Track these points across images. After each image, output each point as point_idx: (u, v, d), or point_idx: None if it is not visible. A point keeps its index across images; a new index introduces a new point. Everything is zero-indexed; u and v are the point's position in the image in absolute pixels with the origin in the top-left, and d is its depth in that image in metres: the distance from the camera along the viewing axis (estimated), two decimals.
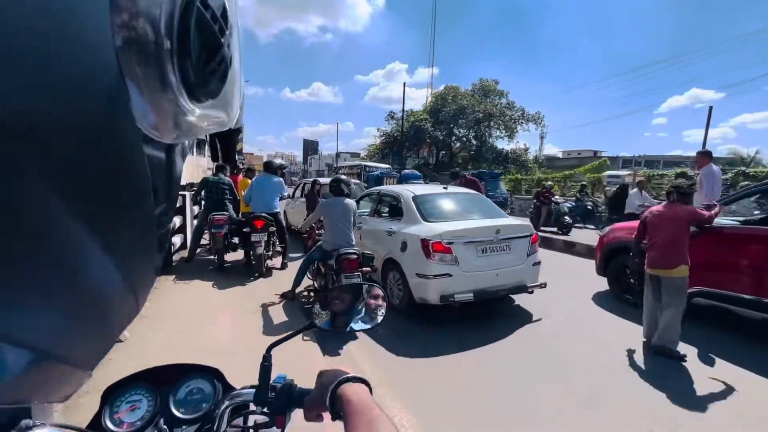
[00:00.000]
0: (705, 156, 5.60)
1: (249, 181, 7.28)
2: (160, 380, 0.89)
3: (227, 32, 0.32)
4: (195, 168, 21.04)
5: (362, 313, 0.95)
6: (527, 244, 4.30)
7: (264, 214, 5.40)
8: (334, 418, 0.63)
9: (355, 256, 3.88)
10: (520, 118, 34.79)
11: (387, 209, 5.14)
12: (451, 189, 4.93)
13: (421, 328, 3.97)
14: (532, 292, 4.24)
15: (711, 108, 21.71)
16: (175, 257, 6.26)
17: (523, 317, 4.26)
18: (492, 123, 34.70)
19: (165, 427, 0.83)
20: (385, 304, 0.95)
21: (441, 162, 37.59)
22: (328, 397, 0.63)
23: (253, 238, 5.22)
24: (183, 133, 0.37)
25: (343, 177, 4.46)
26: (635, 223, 4.38)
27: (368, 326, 0.94)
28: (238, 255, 6.13)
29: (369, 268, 4.09)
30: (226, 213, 5.68)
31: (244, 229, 5.40)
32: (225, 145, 0.81)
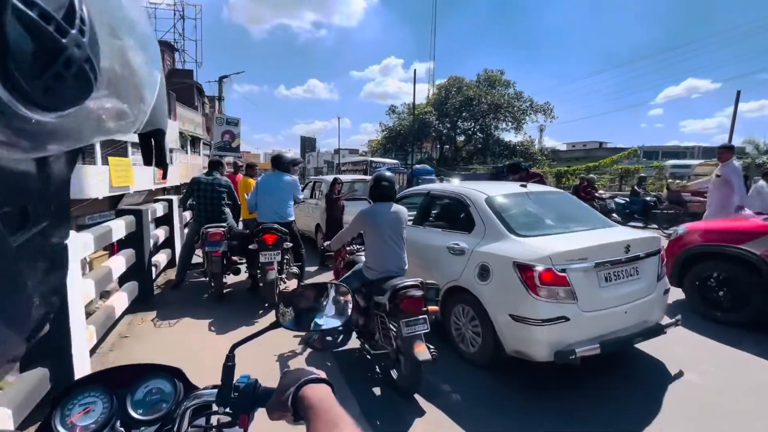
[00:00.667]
0: (728, 150, 5.20)
1: (252, 181, 5.94)
2: (117, 381, 0.86)
3: (74, 31, 0.27)
4: (188, 169, 19.64)
5: (328, 311, 0.92)
6: (657, 264, 3.00)
7: (276, 225, 4.10)
8: (296, 420, 0.63)
9: (419, 293, 2.57)
10: (528, 109, 33.45)
11: (444, 216, 3.80)
12: (532, 187, 3.60)
13: (513, 393, 2.68)
14: (666, 333, 2.92)
15: (739, 93, 20.41)
16: (160, 279, 4.93)
17: (652, 369, 2.97)
18: (499, 115, 33.34)
19: (121, 429, 0.81)
20: (351, 301, 0.94)
21: (445, 156, 36.27)
22: (290, 398, 0.63)
23: (262, 258, 3.91)
24: (40, 144, 0.32)
25: (388, 174, 3.13)
26: (717, 224, 4.22)
27: (334, 325, 0.92)
28: (241, 275, 4.81)
29: (436, 307, 2.79)
30: (224, 225, 4.36)
31: (250, 246, 4.08)
32: (157, 146, 0.56)
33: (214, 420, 0.80)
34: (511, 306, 2.63)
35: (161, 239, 4.85)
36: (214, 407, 0.77)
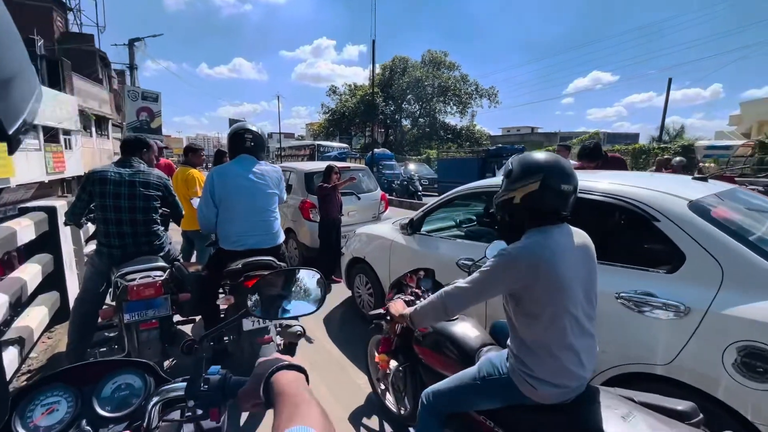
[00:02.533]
0: None
1: (196, 173, 3.88)
2: (83, 379, 0.82)
3: None
4: (95, 155, 15.81)
5: (299, 298, 0.93)
6: None
7: (266, 259, 2.28)
8: (267, 407, 0.62)
9: None
10: (474, 92, 33.23)
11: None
12: (714, 182, 2.21)
13: None
14: None
15: (670, 80, 21.68)
16: (38, 351, 2.78)
17: None
18: (445, 98, 32.70)
19: (88, 428, 0.77)
20: (323, 287, 0.96)
21: (390, 141, 34.96)
22: (262, 386, 0.62)
23: (247, 325, 2.07)
24: None
25: (566, 165, 1.45)
26: None
27: (306, 312, 0.92)
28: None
29: None
30: (162, 263, 2.36)
31: (221, 299, 2.25)
32: None
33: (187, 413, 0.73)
34: None
35: (31, 284, 2.69)
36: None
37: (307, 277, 0.99)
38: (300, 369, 0.67)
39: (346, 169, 5.53)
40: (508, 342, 1.36)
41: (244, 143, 2.48)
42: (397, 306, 1.64)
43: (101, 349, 2.38)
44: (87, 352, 2.35)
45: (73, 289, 3.39)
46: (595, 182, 2.08)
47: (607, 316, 1.79)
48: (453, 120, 34.89)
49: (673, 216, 1.74)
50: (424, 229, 3.13)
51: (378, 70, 33.57)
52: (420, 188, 13.51)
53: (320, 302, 0.98)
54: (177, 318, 2.54)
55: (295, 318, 1.02)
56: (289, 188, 5.62)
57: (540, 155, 1.29)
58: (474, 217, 3.75)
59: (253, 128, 2.52)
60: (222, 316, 2.48)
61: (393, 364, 2.05)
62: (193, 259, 4.11)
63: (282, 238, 2.63)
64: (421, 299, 1.73)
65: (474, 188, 2.82)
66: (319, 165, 5.57)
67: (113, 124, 19.45)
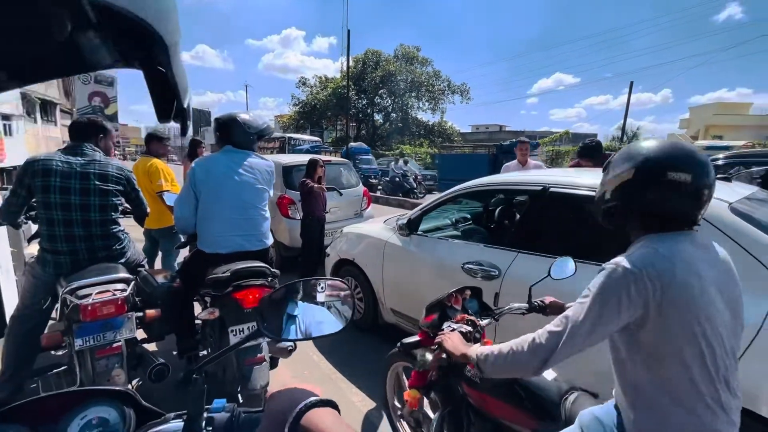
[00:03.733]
0: None
1: (159, 164, 3.43)
2: (39, 416, 0.65)
3: None
4: (41, 143, 14.37)
5: (323, 314, 0.79)
6: None
7: (256, 265, 1.98)
8: None
9: None
10: (446, 89, 33.35)
11: (604, 240, 2.05)
12: (737, 184, 2.10)
13: None
14: None
15: (632, 83, 22.67)
16: None
17: None
18: (418, 94, 32.63)
19: None
20: (351, 301, 0.82)
21: (362, 135, 34.55)
22: (288, 429, 0.49)
23: (235, 340, 1.64)
24: None
25: (696, 154, 1.07)
26: None
27: (332, 330, 0.77)
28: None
29: None
30: (120, 277, 1.90)
31: (201, 315, 1.90)
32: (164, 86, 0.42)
33: None
34: None
35: None
36: None
37: (331, 289, 0.85)
38: (332, 404, 0.54)
39: (328, 163, 5.19)
40: (616, 392, 1.02)
41: (239, 135, 2.17)
42: (455, 341, 1.23)
43: (46, 378, 1.95)
44: (26, 383, 1.92)
45: (10, 300, 2.88)
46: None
47: None
48: (425, 116, 34.94)
49: (715, 220, 1.59)
50: (420, 229, 2.89)
51: (350, 63, 32.96)
52: (415, 185, 12.65)
53: (349, 318, 0.82)
54: (141, 334, 2.16)
55: (319, 337, 0.76)
56: None
57: (644, 142, 0.97)
58: (469, 216, 3.57)
59: (248, 117, 2.20)
60: (199, 331, 2.13)
61: (425, 402, 1.71)
62: (158, 263, 3.65)
63: (271, 240, 2.34)
64: (479, 327, 1.38)
65: (478, 186, 2.61)
66: (299, 158, 5.21)
67: (62, 110, 17.83)
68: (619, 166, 0.97)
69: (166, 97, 0.45)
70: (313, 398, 0.53)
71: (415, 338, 1.51)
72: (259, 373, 1.79)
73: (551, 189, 2.15)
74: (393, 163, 15.53)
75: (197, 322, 2.14)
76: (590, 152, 3.42)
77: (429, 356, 1.51)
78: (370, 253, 3.10)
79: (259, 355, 1.82)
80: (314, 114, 33.11)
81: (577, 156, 3.59)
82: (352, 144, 18.26)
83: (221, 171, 2.09)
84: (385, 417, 2.27)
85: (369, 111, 34.58)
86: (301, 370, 2.74)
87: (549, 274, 1.49)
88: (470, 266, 2.31)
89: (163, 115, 0.47)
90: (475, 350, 1.11)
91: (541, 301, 1.48)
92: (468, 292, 1.57)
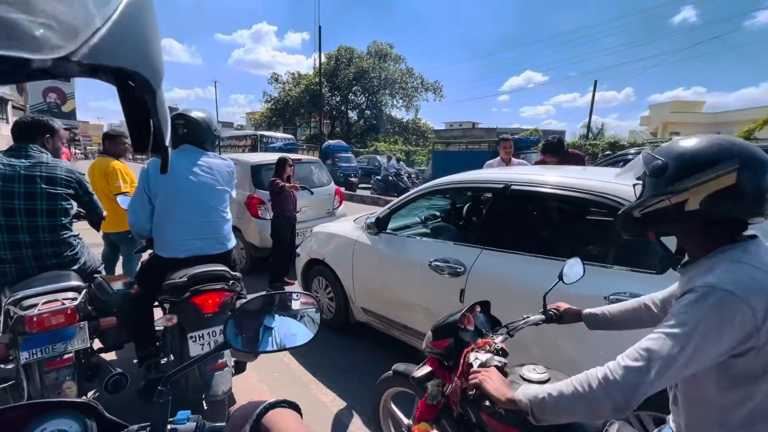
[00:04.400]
0: None
1: (117, 165, 3.28)
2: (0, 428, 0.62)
3: None
4: None
5: (288, 328, 0.78)
6: None
7: (218, 269, 1.93)
8: None
9: None
10: (419, 86, 33.58)
11: (564, 236, 2.13)
12: None
13: None
14: None
15: (596, 82, 23.59)
16: None
17: None
18: (392, 91, 32.70)
19: None
20: (318, 314, 0.82)
21: (336, 133, 34.31)
22: (248, 429, 0.51)
23: (195, 349, 1.73)
24: None
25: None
26: None
27: (301, 342, 0.77)
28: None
29: None
30: (71, 285, 1.79)
31: (160, 321, 1.84)
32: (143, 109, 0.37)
33: None
34: None
35: None
36: None
37: (298, 300, 0.85)
38: (293, 405, 0.56)
39: (297, 162, 5.12)
40: (683, 424, 0.91)
41: (175, 131, 2.06)
42: (496, 382, 1.02)
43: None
44: None
45: None
46: (580, 179, 1.99)
47: None
48: (399, 113, 35.06)
49: None
50: (389, 227, 2.90)
51: (323, 59, 32.55)
52: (410, 184, 12.20)
53: (317, 328, 0.82)
54: (99, 344, 2.07)
55: (287, 348, 0.77)
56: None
57: (713, 136, 0.86)
58: (438, 214, 3.62)
59: (190, 114, 2.10)
60: (159, 338, 2.06)
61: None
62: (119, 268, 3.50)
63: (233, 242, 2.28)
64: (502, 347, 1.24)
65: (445, 184, 2.65)
66: (267, 156, 5.11)
67: (14, 107, 16.73)
68: (708, 170, 0.80)
69: (144, 129, 0.42)
70: (272, 400, 0.53)
71: (426, 368, 1.33)
72: (221, 378, 1.74)
73: (513, 186, 2.21)
74: (386, 161, 15.17)
75: (157, 329, 2.06)
76: (553, 149, 3.54)
77: (437, 386, 1.33)
78: (340, 253, 3.09)
79: (220, 360, 1.77)
80: (287, 111, 32.59)
81: (541, 153, 3.71)
82: (330, 141, 17.85)
83: (178, 172, 2.01)
84: (356, 416, 2.28)
85: (343, 108, 34.36)
86: (270, 373, 2.70)
87: (561, 280, 1.38)
88: (437, 263, 2.34)
89: (139, 147, 0.44)
90: (525, 394, 0.91)
91: (555, 309, 1.37)
92: (478, 309, 1.42)
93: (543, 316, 1.37)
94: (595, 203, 1.91)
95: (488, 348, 1.23)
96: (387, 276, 2.73)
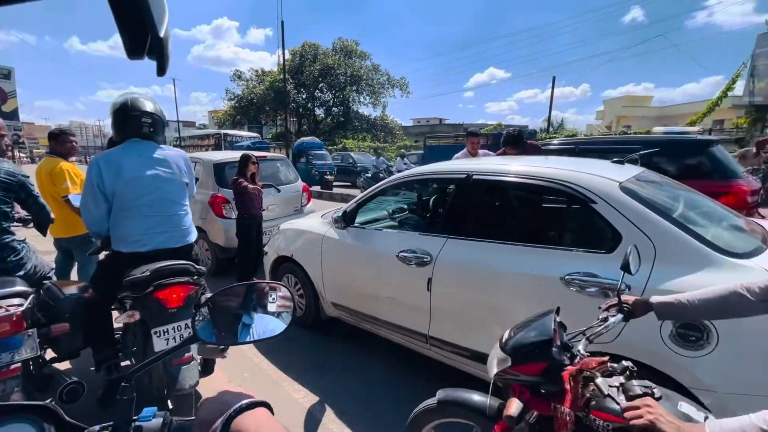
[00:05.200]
0: None
1: (65, 165, 3.09)
2: None
3: None
4: None
5: (260, 319, 0.77)
6: None
7: (180, 263, 1.88)
8: None
9: None
10: (386, 83, 33.60)
11: (523, 221, 2.24)
12: (628, 166, 2.37)
13: None
14: None
15: (554, 78, 24.51)
16: None
17: None
18: (358, 87, 32.54)
19: None
20: (291, 305, 0.80)
21: (303, 130, 33.81)
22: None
23: (160, 344, 1.70)
24: None
25: None
26: None
27: (269, 335, 0.75)
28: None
29: None
30: (15, 291, 1.66)
31: (120, 317, 1.77)
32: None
33: None
34: None
35: None
36: None
37: (270, 290, 0.84)
38: (264, 404, 0.52)
39: (262, 159, 5.02)
40: None
41: (140, 129, 1.98)
42: (671, 418, 0.85)
43: None
44: None
45: None
46: (535, 167, 2.09)
47: (558, 300, 1.80)
48: (366, 110, 34.97)
49: (608, 197, 1.80)
50: (357, 221, 2.92)
51: (287, 56, 31.84)
52: None
53: (290, 318, 0.81)
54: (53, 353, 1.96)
55: (258, 340, 0.74)
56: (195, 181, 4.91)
57: None
58: (406, 206, 3.66)
59: (149, 106, 2.01)
60: (118, 339, 1.97)
61: None
62: (74, 275, 3.31)
63: (194, 235, 2.23)
64: (628, 366, 1.07)
65: (410, 176, 2.69)
66: (231, 155, 4.97)
67: None
68: None
69: (136, 23, 0.36)
70: (243, 401, 0.51)
71: (518, 404, 1.09)
72: (188, 372, 1.71)
73: (474, 176, 2.28)
74: (375, 158, 14.88)
75: (117, 325, 1.98)
76: (514, 141, 3.68)
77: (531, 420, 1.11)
78: (308, 249, 3.07)
79: (186, 354, 1.75)
80: (251, 109, 31.71)
81: (502, 145, 3.84)
82: (304, 138, 17.06)
83: (133, 166, 1.92)
84: (328, 409, 2.29)
85: (309, 105, 33.85)
86: (240, 373, 2.66)
87: (628, 271, 1.26)
88: (404, 254, 2.38)
89: (134, 50, 0.38)
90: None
91: (626, 304, 1.22)
92: (557, 318, 1.18)
93: (621, 315, 1.20)
94: (551, 190, 2.01)
95: (607, 370, 1.05)
96: (356, 269, 2.75)
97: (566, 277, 1.78)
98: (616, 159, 2.33)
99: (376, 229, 2.86)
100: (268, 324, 0.79)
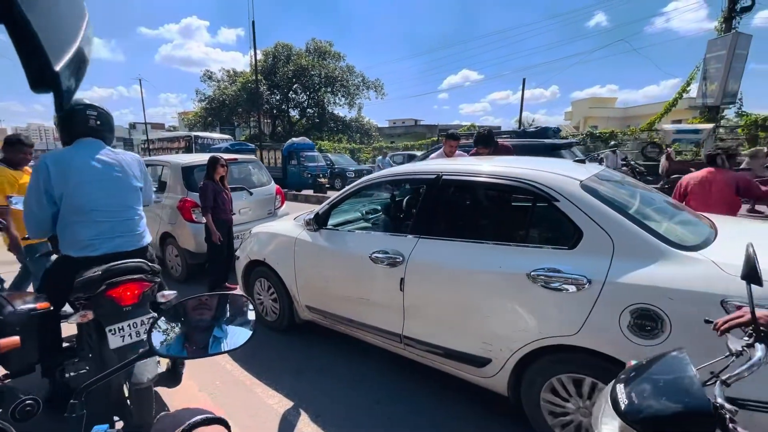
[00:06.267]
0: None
1: (9, 176, 2.93)
2: None
3: None
4: None
5: (223, 330, 0.76)
6: None
7: (136, 262, 1.86)
8: None
9: None
10: (361, 84, 33.56)
11: (492, 220, 2.31)
12: (589, 164, 2.46)
13: None
14: None
15: (524, 80, 25.19)
16: None
17: None
18: (333, 89, 32.36)
19: None
20: (253, 314, 0.80)
21: (278, 132, 33.31)
22: None
23: (115, 341, 1.70)
24: None
25: None
26: None
27: (236, 345, 0.77)
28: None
29: None
30: None
31: (70, 317, 1.73)
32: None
33: None
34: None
35: None
36: None
37: (230, 301, 0.82)
38: (222, 422, 0.53)
39: (233, 161, 4.92)
40: None
41: (87, 123, 1.94)
42: None
43: None
44: None
45: None
46: (502, 167, 2.14)
47: (523, 295, 1.86)
48: (342, 111, 34.86)
49: (569, 196, 1.87)
50: (330, 223, 2.90)
51: (260, 57, 31.25)
52: None
53: (252, 328, 0.80)
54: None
55: (224, 352, 0.73)
56: (162, 186, 4.76)
57: None
58: (379, 207, 3.67)
59: (97, 104, 2.00)
60: (71, 344, 1.90)
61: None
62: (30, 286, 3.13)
63: (149, 239, 2.18)
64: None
65: (382, 177, 2.70)
66: (200, 157, 4.84)
67: None
68: None
69: (33, 56, 0.36)
70: (198, 417, 0.50)
71: None
72: (146, 367, 1.68)
73: (444, 177, 2.31)
74: (381, 158, 14.28)
75: (70, 322, 1.92)
76: (484, 140, 3.76)
77: None
78: (280, 252, 3.02)
79: (142, 350, 1.69)
80: (223, 110, 30.93)
81: (474, 145, 3.92)
82: (295, 139, 16.02)
83: (84, 169, 1.87)
84: (303, 413, 2.26)
85: (284, 107, 33.38)
86: (212, 381, 2.59)
87: (758, 283, 1.02)
88: (377, 255, 2.39)
89: (35, 83, 0.38)
90: None
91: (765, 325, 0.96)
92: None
93: (764, 346, 0.90)
94: (517, 189, 2.07)
95: None
96: (329, 272, 2.73)
97: (532, 273, 1.84)
98: (578, 158, 2.43)
99: (348, 231, 2.86)
100: (230, 335, 0.77)
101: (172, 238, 4.54)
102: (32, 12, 0.35)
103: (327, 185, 13.07)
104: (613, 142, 11.58)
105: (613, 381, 0.93)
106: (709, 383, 0.88)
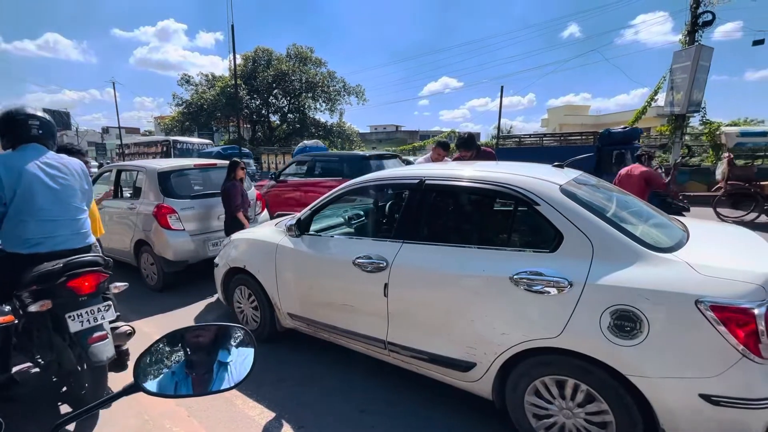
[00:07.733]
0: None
1: None
2: None
3: None
4: None
5: (218, 367, 0.72)
6: None
7: (90, 257, 2.10)
8: None
9: None
10: (342, 90, 33.56)
11: (475, 225, 2.37)
12: (568, 170, 2.52)
13: None
14: None
15: (502, 88, 25.74)
16: None
17: None
18: (314, 94, 32.26)
19: None
20: (253, 349, 0.78)
21: (258, 137, 32.91)
22: None
23: (75, 326, 1.95)
24: None
25: None
26: None
27: (233, 383, 0.71)
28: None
29: None
30: None
31: (32, 307, 1.87)
32: None
33: None
34: (700, 379, 1.51)
35: None
36: None
37: (227, 334, 0.80)
38: None
39: (212, 166, 4.83)
40: None
41: (29, 132, 2.06)
42: None
43: None
44: None
45: None
46: (484, 172, 2.17)
47: (507, 298, 1.88)
48: (323, 117, 34.75)
49: (550, 200, 1.90)
50: (312, 228, 2.86)
51: (240, 61, 30.85)
52: None
53: (253, 362, 0.77)
54: None
55: (220, 391, 0.68)
56: (137, 191, 4.60)
57: None
58: (362, 212, 3.65)
59: (38, 112, 2.14)
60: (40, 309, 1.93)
61: None
62: None
63: (93, 238, 2.33)
64: None
65: (365, 182, 2.69)
66: (175, 163, 4.71)
67: None
68: None
69: None
70: None
71: None
72: (103, 347, 1.94)
73: (427, 182, 2.32)
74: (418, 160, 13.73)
75: (32, 310, 1.98)
76: (466, 144, 3.81)
77: None
78: (261, 258, 2.96)
79: (99, 333, 1.97)
80: (201, 115, 30.31)
81: (456, 149, 3.96)
82: (307, 142, 14.85)
83: (28, 168, 1.99)
84: (285, 424, 2.20)
85: (264, 111, 33.01)
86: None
87: None
88: (361, 260, 2.37)
89: None
90: None
91: None
92: None
93: None
94: (499, 193, 2.10)
95: None
96: (312, 278, 2.69)
97: (515, 276, 1.86)
98: (557, 163, 2.48)
99: (331, 236, 2.83)
100: (229, 370, 0.75)
101: (147, 246, 4.38)
102: None
103: None
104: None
105: None
106: None
